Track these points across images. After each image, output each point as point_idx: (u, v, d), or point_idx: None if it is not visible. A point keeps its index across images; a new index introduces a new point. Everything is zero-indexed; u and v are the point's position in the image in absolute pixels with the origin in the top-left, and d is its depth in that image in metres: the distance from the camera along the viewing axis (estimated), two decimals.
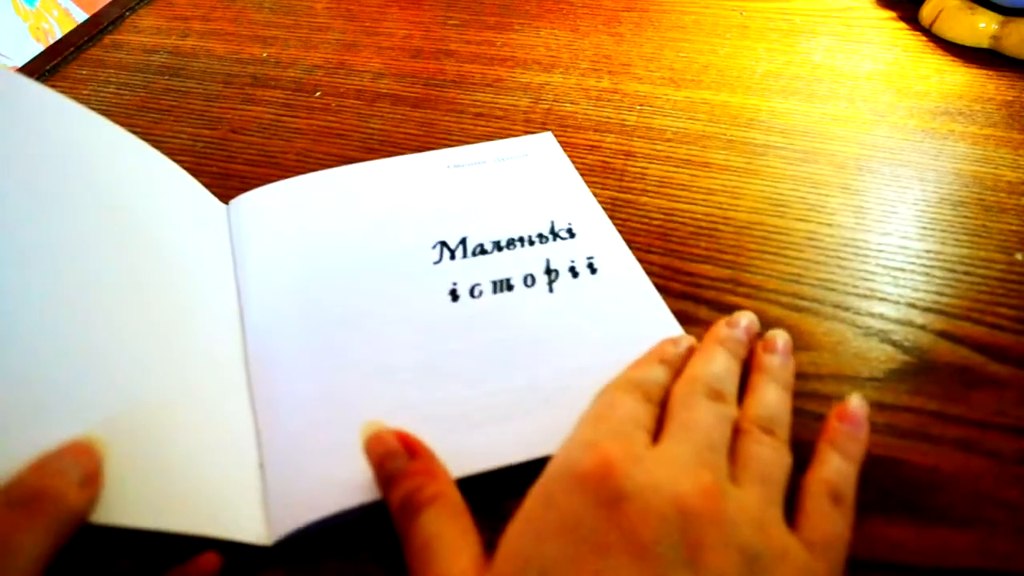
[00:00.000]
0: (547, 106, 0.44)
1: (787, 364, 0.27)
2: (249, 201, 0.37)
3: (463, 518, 0.22)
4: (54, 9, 0.59)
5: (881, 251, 0.34)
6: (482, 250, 0.34)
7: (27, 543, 0.18)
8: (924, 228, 0.35)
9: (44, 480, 0.20)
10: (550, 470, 0.22)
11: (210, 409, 0.27)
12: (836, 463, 0.24)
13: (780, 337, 0.28)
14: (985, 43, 0.47)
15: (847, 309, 0.31)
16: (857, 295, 0.32)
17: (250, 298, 0.32)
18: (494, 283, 0.32)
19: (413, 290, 0.32)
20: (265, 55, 0.50)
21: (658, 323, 0.30)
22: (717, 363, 0.26)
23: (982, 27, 0.47)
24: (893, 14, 0.52)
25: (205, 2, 0.57)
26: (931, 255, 0.34)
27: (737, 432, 0.24)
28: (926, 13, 0.50)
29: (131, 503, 0.22)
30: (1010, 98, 0.43)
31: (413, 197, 0.37)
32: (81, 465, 0.21)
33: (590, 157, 0.40)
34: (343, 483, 0.25)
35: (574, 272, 0.32)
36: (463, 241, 0.34)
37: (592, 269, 0.33)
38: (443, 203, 0.36)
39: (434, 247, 0.34)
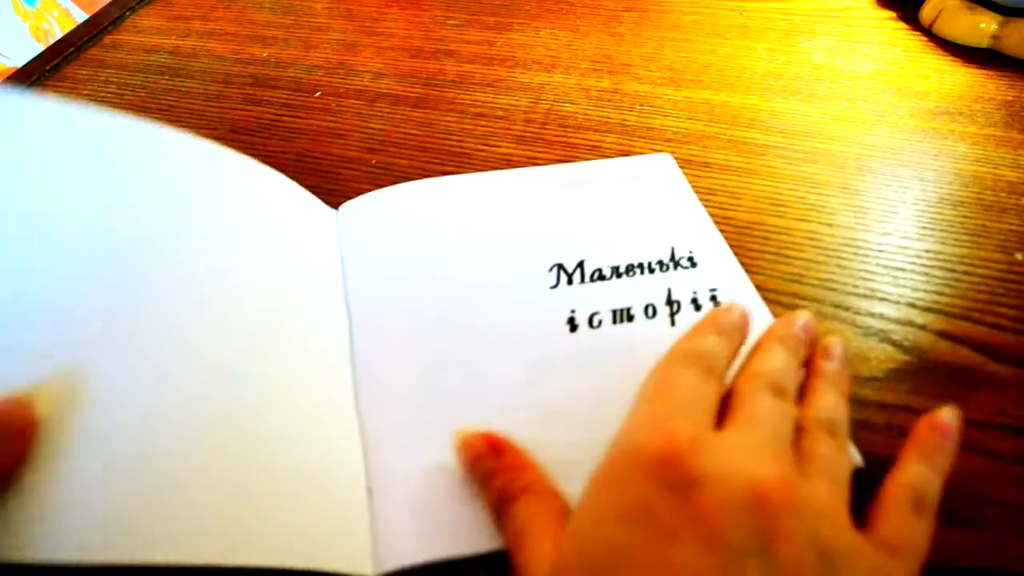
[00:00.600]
0: (547, 106, 0.44)
1: (844, 371, 0.26)
2: (359, 207, 0.36)
3: (553, 503, 0.22)
4: (54, 9, 0.59)
5: (881, 251, 0.34)
6: (600, 275, 0.32)
7: None
8: (924, 228, 0.35)
9: None
10: (615, 450, 0.21)
11: (320, 431, 0.26)
12: (921, 470, 0.23)
13: (837, 344, 0.27)
14: (985, 43, 0.47)
15: (847, 309, 0.31)
16: (857, 295, 0.32)
17: (360, 314, 0.31)
18: (614, 312, 0.30)
19: (529, 316, 0.30)
20: (265, 55, 0.50)
21: None
22: (778, 359, 0.25)
23: (982, 27, 0.47)
24: (893, 14, 0.52)
25: (205, 2, 0.57)
26: (931, 255, 0.34)
27: (799, 431, 0.23)
28: (926, 13, 0.50)
29: (237, 538, 0.21)
30: (1010, 98, 0.43)
31: (526, 214, 0.35)
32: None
33: (590, 157, 0.40)
34: (458, 528, 0.24)
35: (696, 305, 0.31)
36: (580, 265, 0.32)
37: (716, 302, 0.31)
38: (558, 222, 0.35)
39: (550, 270, 0.32)
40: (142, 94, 0.46)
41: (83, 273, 0.24)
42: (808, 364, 0.26)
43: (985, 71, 0.46)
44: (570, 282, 0.32)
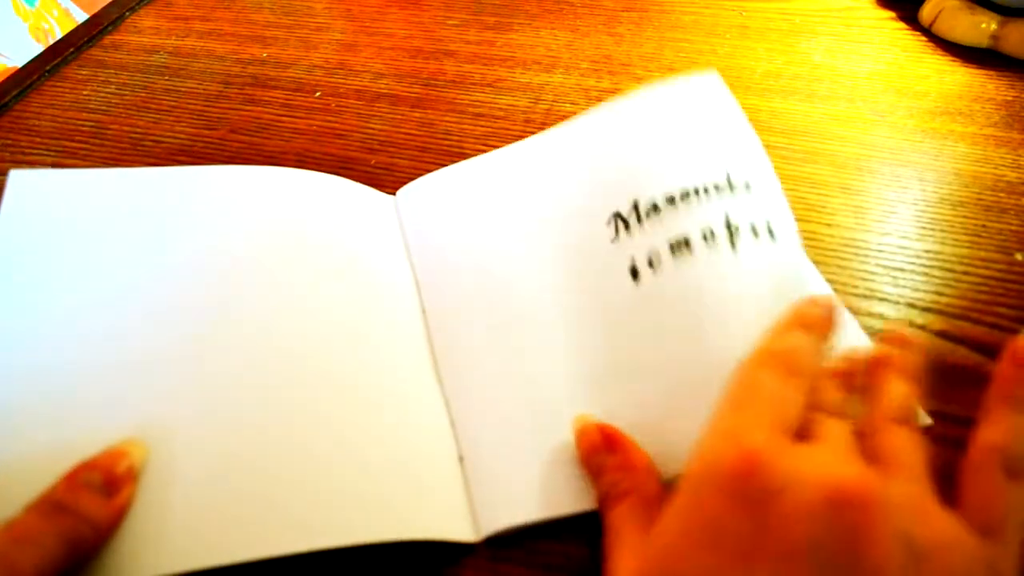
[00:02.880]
0: (547, 106, 0.44)
1: (910, 356, 0.24)
2: (416, 190, 0.37)
3: (651, 512, 0.22)
4: (54, 9, 0.59)
5: (881, 251, 0.34)
6: (655, 208, 0.30)
7: (37, 549, 0.19)
8: (924, 228, 0.35)
9: (69, 493, 0.21)
10: (693, 465, 0.21)
11: (406, 408, 0.27)
12: (1011, 424, 0.20)
13: (895, 331, 0.25)
14: (985, 43, 0.47)
15: (847, 309, 0.31)
16: (857, 295, 0.32)
17: (430, 294, 0.32)
18: (671, 246, 0.28)
19: (594, 278, 0.30)
20: (265, 55, 0.50)
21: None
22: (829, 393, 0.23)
23: (982, 27, 0.47)
24: (893, 14, 0.52)
25: (205, 2, 0.57)
26: (930, 255, 0.34)
27: (869, 431, 0.22)
28: (926, 13, 0.50)
29: (337, 523, 0.23)
30: (1010, 98, 0.43)
31: (578, 167, 0.34)
32: (107, 473, 0.22)
33: None
34: (552, 490, 0.25)
35: (755, 232, 0.28)
36: (635, 206, 0.30)
37: (771, 234, 0.28)
38: (609, 166, 0.33)
39: (608, 223, 0.31)
40: (142, 94, 0.46)
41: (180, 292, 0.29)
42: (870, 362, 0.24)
43: (985, 71, 0.46)
44: (628, 228, 0.30)
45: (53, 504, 0.21)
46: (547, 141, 0.38)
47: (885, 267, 0.33)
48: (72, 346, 0.26)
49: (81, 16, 0.59)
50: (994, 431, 0.20)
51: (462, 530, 0.24)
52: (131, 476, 0.22)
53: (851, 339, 0.30)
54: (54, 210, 0.30)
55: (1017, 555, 0.18)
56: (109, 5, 0.56)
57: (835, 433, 0.21)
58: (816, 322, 0.24)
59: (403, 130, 0.43)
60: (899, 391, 0.23)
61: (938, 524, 0.18)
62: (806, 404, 0.22)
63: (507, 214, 0.34)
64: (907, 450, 0.21)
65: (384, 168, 0.40)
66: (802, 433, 0.21)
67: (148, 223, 0.31)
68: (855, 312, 0.31)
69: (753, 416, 0.21)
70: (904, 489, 0.19)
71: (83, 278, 0.28)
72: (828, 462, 0.19)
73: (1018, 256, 0.34)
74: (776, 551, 0.17)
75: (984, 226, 0.35)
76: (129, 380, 0.25)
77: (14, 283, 0.28)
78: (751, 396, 0.21)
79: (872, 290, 0.32)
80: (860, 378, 0.24)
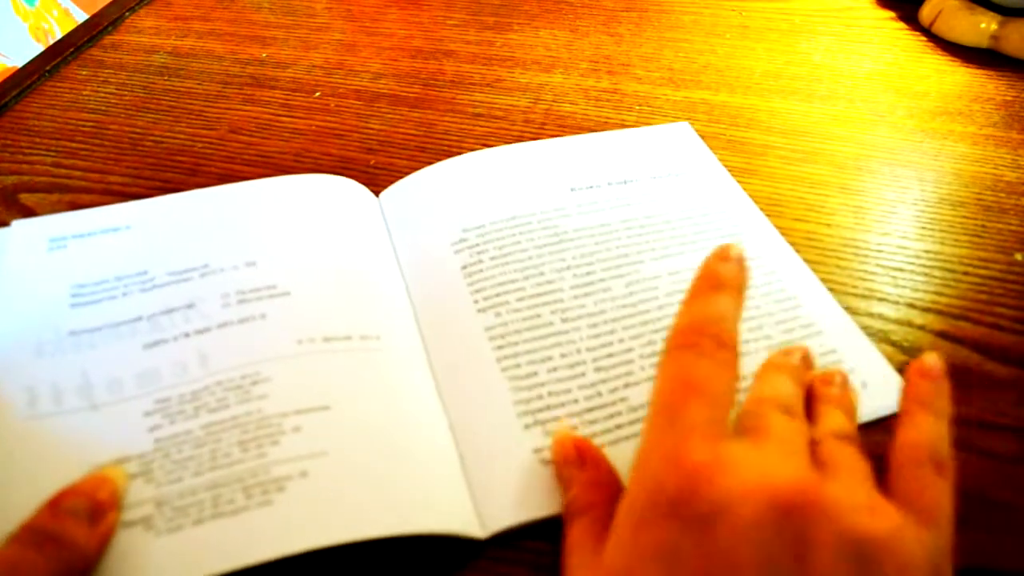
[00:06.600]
0: (546, 106, 0.44)
1: (847, 393, 0.25)
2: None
3: (608, 532, 0.22)
4: (54, 9, 0.59)
5: (880, 251, 0.34)
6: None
7: None
8: (923, 228, 0.35)
9: (55, 520, 0.21)
10: (635, 487, 0.21)
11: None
12: (930, 424, 0.21)
13: (837, 373, 0.26)
14: (985, 43, 0.47)
15: (846, 309, 0.31)
16: (856, 295, 0.32)
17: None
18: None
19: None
20: (264, 55, 0.50)
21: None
22: (782, 385, 0.23)
23: (982, 27, 0.47)
24: (893, 14, 0.52)
25: (204, 2, 0.57)
26: (930, 255, 0.34)
27: (813, 444, 0.22)
28: (926, 13, 0.50)
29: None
30: (1010, 98, 0.43)
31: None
32: (91, 500, 0.21)
33: None
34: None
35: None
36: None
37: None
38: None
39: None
40: (142, 94, 0.46)
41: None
42: (809, 392, 0.25)
43: (985, 71, 0.46)
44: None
45: (40, 533, 0.20)
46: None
47: (885, 267, 0.33)
48: None
49: (81, 16, 0.59)
50: (919, 431, 0.22)
51: (471, 526, 0.24)
52: (114, 502, 0.22)
53: (851, 340, 0.30)
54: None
55: (952, 543, 0.19)
56: (109, 5, 0.56)
57: (779, 428, 0.21)
58: (730, 279, 0.23)
59: (402, 130, 0.43)
60: (838, 418, 0.23)
61: (882, 515, 0.19)
62: (737, 376, 0.22)
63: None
64: (847, 455, 0.21)
65: (383, 168, 0.40)
66: (747, 425, 0.21)
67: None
68: (855, 312, 0.31)
69: (689, 422, 0.20)
70: (844, 484, 0.20)
71: None
72: (768, 468, 0.19)
73: (1018, 256, 0.34)
74: (726, 570, 0.17)
75: (984, 226, 0.35)
76: None
77: None
78: (683, 393, 0.21)
79: (872, 290, 0.32)
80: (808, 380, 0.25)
